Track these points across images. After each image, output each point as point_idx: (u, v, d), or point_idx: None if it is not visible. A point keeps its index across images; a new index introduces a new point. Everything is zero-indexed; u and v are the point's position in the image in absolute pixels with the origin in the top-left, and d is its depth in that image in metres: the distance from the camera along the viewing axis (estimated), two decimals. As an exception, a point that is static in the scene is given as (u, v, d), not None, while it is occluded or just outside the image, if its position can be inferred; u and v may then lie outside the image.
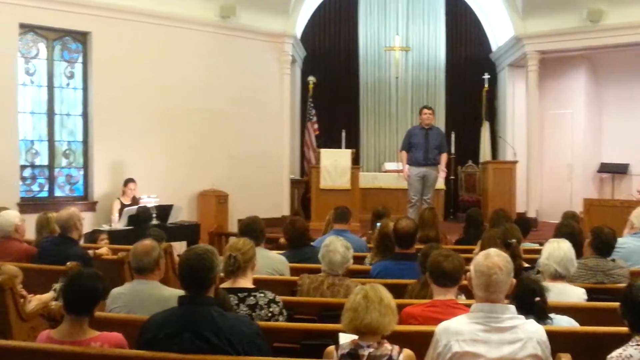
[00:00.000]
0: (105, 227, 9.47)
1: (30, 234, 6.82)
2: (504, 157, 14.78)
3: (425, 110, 11.00)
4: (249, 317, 3.98)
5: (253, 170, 12.91)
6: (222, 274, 4.01)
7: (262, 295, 4.18)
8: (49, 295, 5.08)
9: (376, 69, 16.18)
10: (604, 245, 5.29)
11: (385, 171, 14.70)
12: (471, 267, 3.35)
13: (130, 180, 10.61)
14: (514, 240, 5.18)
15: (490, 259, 3.28)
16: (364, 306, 3.23)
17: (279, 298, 4.27)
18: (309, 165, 14.60)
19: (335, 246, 4.89)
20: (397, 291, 4.20)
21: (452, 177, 15.11)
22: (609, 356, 3.23)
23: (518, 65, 14.86)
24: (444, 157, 11.00)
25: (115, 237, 8.35)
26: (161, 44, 11.63)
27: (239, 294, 4.15)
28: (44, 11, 10.35)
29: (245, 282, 4.26)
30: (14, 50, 10.22)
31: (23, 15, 10.21)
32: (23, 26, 10.33)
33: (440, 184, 13.75)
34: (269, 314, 4.14)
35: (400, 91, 16.14)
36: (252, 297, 4.15)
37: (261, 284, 4.43)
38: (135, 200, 10.40)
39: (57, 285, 5.03)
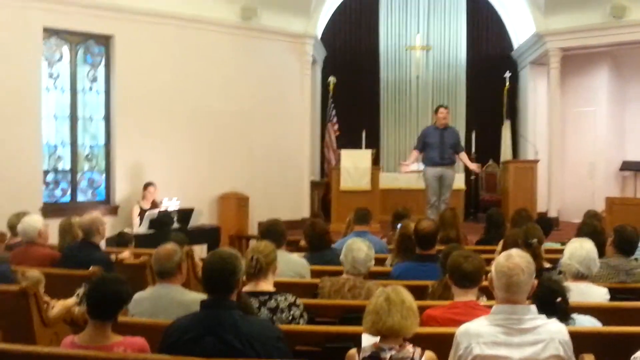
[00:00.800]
0: (128, 231, 9.53)
1: (53, 238, 6.87)
2: (525, 156, 14.68)
3: (442, 110, 10.96)
4: (270, 321, 3.99)
5: (273, 172, 12.93)
6: (244, 278, 4.04)
7: (282, 298, 4.20)
8: (72, 300, 5.11)
9: (397, 69, 16.15)
10: (627, 244, 5.26)
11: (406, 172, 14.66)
12: (492, 267, 3.34)
13: (149, 184, 10.59)
14: (535, 240, 5.14)
15: (512, 260, 3.26)
16: (386, 309, 3.23)
17: (299, 301, 4.28)
18: (329, 166, 14.57)
19: (358, 245, 4.93)
20: (418, 292, 4.19)
21: (472, 177, 15.06)
22: (633, 356, 3.21)
23: (540, 62, 14.75)
24: (464, 157, 11.00)
25: (137, 241, 8.38)
26: (183, 46, 11.68)
27: (260, 297, 4.17)
28: (67, 15, 10.40)
29: (267, 285, 4.28)
30: (39, 54, 10.27)
31: (46, 19, 10.25)
32: (47, 30, 10.39)
33: (460, 184, 13.74)
34: (290, 317, 4.15)
35: (420, 90, 16.08)
36: (273, 301, 4.17)
37: (282, 287, 4.44)
38: (155, 204, 10.42)
39: (80, 291, 5.06)
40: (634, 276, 5.10)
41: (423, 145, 10.84)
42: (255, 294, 4.17)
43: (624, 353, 3.31)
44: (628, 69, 14.29)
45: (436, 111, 11.11)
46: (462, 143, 11.81)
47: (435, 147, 10.70)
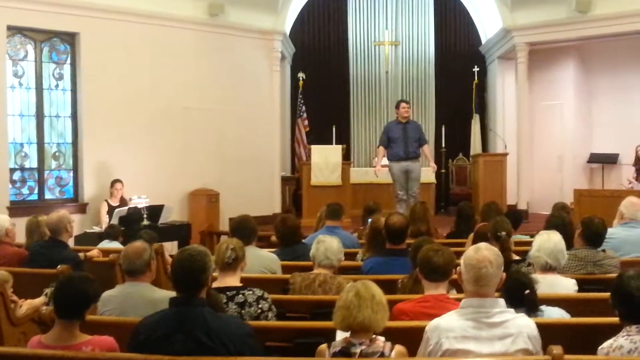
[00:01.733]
0: (96, 229, 9.46)
1: (20, 237, 6.80)
2: (494, 149, 14.80)
3: (404, 104, 10.99)
4: (240, 318, 4.01)
5: (244, 168, 12.89)
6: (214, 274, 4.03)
7: (250, 292, 4.22)
8: (41, 300, 5.07)
9: (366, 64, 16.20)
10: (594, 235, 5.30)
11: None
12: (461, 261, 3.36)
13: (116, 181, 10.52)
14: (503, 233, 5.18)
15: (480, 253, 3.29)
16: (356, 304, 3.24)
17: (267, 294, 4.29)
18: (299, 162, 14.59)
19: (330, 238, 5.04)
20: (388, 287, 4.20)
21: (442, 171, 15.17)
22: (600, 347, 3.25)
23: (507, 57, 14.88)
24: (427, 150, 11.03)
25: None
26: (149, 43, 11.58)
27: (228, 293, 4.18)
28: (32, 13, 10.28)
29: (234, 281, 4.31)
30: (2, 52, 10.15)
31: (10, 17, 10.15)
32: (10, 28, 10.28)
33: (431, 177, 13.81)
34: (259, 310, 4.17)
35: (390, 86, 16.15)
36: (240, 295, 4.19)
37: (253, 283, 4.44)
38: (123, 201, 10.36)
39: (48, 290, 5.02)
40: (602, 267, 5.14)
41: (387, 141, 10.87)
42: (222, 290, 4.19)
43: (592, 344, 3.34)
44: (594, 62, 14.48)
45: (397, 106, 11.13)
46: (428, 136, 11.83)
47: (399, 141, 10.73)
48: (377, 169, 11.11)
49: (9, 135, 10.31)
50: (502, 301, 3.30)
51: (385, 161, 11.11)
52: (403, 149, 10.71)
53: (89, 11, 10.83)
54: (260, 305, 4.18)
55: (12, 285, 5.08)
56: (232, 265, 4.31)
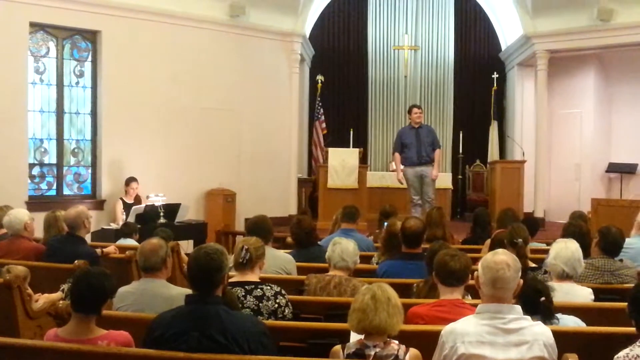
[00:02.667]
0: (113, 226, 9.51)
1: (38, 232, 6.84)
2: (512, 156, 14.74)
3: (416, 110, 10.96)
4: (257, 311, 4.09)
5: (261, 169, 12.92)
6: (231, 273, 4.08)
7: (268, 287, 4.28)
8: (57, 295, 5.09)
9: (385, 68, 16.16)
10: (612, 245, 5.27)
11: (393, 170, 14.66)
12: (479, 264, 3.35)
13: (132, 179, 10.57)
14: (520, 240, 5.16)
15: (498, 256, 3.29)
16: (372, 307, 3.24)
17: (285, 292, 4.34)
18: (316, 164, 14.60)
19: (346, 241, 5.05)
20: (403, 290, 4.21)
21: (459, 177, 15.15)
22: (616, 356, 3.22)
23: (527, 64, 14.80)
24: (437, 155, 10.92)
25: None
26: (170, 42, 11.64)
27: (246, 287, 4.24)
28: (54, 10, 10.38)
29: (253, 277, 4.36)
30: (24, 49, 10.25)
31: (33, 14, 10.24)
32: (33, 25, 10.37)
33: (447, 183, 13.78)
34: (276, 305, 4.22)
35: (408, 90, 16.10)
36: (259, 289, 4.25)
37: (268, 283, 4.45)
38: (138, 199, 10.42)
39: (65, 286, 5.05)
40: (619, 277, 5.12)
41: (401, 147, 10.85)
42: (242, 284, 4.25)
43: (608, 353, 3.32)
44: (614, 71, 14.39)
45: (409, 111, 11.11)
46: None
47: (412, 147, 10.73)
48: (400, 177, 11.00)
49: (29, 131, 10.40)
50: (519, 308, 3.28)
51: (402, 167, 11.08)
52: (416, 154, 10.70)
53: (111, 9, 10.91)
54: (277, 300, 4.24)
55: (29, 280, 5.11)
56: (246, 265, 4.35)
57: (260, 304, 4.18)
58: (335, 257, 4.92)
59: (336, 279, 4.83)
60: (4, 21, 9.91)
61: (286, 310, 4.26)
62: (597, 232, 5.44)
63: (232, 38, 12.57)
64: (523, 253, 5.08)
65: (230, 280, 4.16)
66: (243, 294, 4.18)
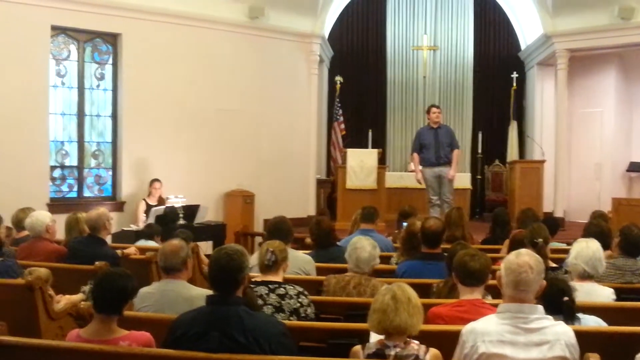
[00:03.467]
0: (133, 227, 9.57)
1: (60, 234, 6.90)
2: (531, 156, 14.64)
3: (434, 109, 10.93)
4: (279, 309, 4.16)
5: (279, 170, 12.93)
6: (254, 274, 4.19)
7: (291, 287, 4.33)
8: (79, 296, 5.14)
9: (404, 69, 16.11)
10: (632, 245, 5.24)
11: (412, 171, 14.63)
12: (502, 265, 3.34)
13: (155, 180, 10.65)
14: (540, 240, 5.13)
15: (522, 258, 3.27)
16: (392, 307, 3.24)
17: (307, 292, 4.39)
18: (335, 165, 14.59)
19: (363, 244, 4.96)
20: (422, 291, 4.20)
21: (478, 177, 15.09)
22: (637, 355, 3.20)
23: (547, 63, 14.71)
24: (455, 155, 10.85)
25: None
26: (190, 45, 11.69)
27: (270, 285, 4.31)
28: (75, 13, 10.46)
29: (277, 278, 4.43)
30: (46, 52, 10.36)
31: (54, 18, 10.33)
32: (55, 28, 10.47)
33: (466, 183, 13.73)
34: (298, 304, 4.27)
35: (427, 90, 16.04)
36: (282, 288, 4.31)
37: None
38: (161, 201, 10.46)
39: (86, 287, 5.09)
40: (640, 277, 5.09)
41: (420, 147, 10.82)
42: (265, 283, 4.32)
43: (630, 353, 3.30)
44: (635, 70, 14.25)
45: (428, 111, 11.08)
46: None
47: (430, 147, 10.70)
48: (419, 177, 10.97)
49: (50, 134, 10.49)
50: (540, 307, 3.26)
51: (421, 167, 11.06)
52: (434, 155, 10.67)
53: (131, 12, 10.97)
54: (300, 300, 4.28)
55: (52, 282, 5.16)
56: (272, 268, 4.42)
57: (283, 302, 4.23)
58: (351, 263, 4.92)
59: (356, 279, 4.83)
60: (26, 25, 10.00)
61: (308, 310, 4.30)
62: (619, 232, 5.40)
63: (251, 40, 12.59)
64: (544, 253, 5.04)
65: (254, 279, 4.25)
66: (266, 291, 4.25)
